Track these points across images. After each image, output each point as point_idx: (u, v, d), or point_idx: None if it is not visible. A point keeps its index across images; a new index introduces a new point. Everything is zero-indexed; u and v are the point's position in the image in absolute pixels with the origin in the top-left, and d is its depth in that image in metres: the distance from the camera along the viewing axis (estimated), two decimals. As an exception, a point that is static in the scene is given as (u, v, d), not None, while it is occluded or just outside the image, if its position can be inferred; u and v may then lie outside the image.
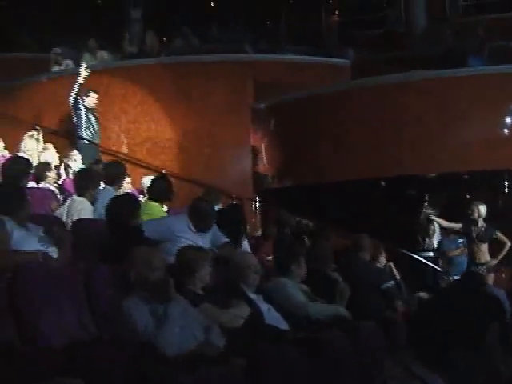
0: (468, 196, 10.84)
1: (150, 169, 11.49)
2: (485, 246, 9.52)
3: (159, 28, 14.67)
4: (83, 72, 10.95)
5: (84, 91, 11.00)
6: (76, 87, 10.88)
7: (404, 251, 10.71)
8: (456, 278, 9.49)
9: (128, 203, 6.17)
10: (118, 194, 7.27)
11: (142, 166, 11.75)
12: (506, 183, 11.07)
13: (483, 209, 9.60)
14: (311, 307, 6.06)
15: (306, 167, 11.60)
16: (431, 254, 10.74)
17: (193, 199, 6.83)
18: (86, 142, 10.91)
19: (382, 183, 11.12)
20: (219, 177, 12.26)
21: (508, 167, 10.53)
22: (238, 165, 12.45)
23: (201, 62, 12.99)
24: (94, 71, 11.49)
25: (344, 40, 15.30)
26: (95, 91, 11.13)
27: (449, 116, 10.69)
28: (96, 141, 11.07)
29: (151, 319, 4.44)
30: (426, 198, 10.45)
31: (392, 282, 7.12)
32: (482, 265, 9.40)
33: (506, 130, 10.62)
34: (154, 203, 7.35)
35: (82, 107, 10.94)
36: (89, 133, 10.97)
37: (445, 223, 10.22)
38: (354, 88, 11.56)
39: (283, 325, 5.67)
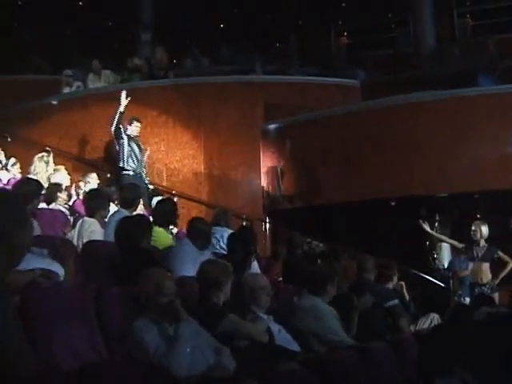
0: (479, 216, 10.80)
1: (159, 190, 11.51)
2: (486, 266, 9.50)
3: (169, 49, 14.75)
4: (124, 100, 10.63)
5: (127, 119, 10.78)
6: (117, 116, 10.59)
7: (415, 271, 10.70)
8: (467, 298, 9.48)
9: (139, 224, 6.19)
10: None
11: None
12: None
13: (485, 229, 9.58)
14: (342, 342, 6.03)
15: (317, 188, 11.60)
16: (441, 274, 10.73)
17: (188, 220, 7.06)
18: (130, 172, 10.55)
19: (393, 203, 11.10)
20: (229, 198, 12.30)
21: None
22: (248, 186, 12.47)
23: (211, 82, 13.06)
24: (102, 93, 11.52)
25: (353, 61, 15.34)
26: (138, 120, 10.91)
27: (461, 136, 10.68)
28: (138, 170, 10.68)
29: (162, 340, 4.43)
30: (437, 217, 10.43)
31: (396, 301, 7.05)
32: (485, 285, 9.37)
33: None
34: (159, 229, 7.32)
35: (124, 136, 10.64)
36: (131, 163, 10.59)
37: (448, 240, 10.20)
38: (364, 109, 11.57)
39: (294, 346, 5.64)
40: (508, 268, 9.44)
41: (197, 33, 16.18)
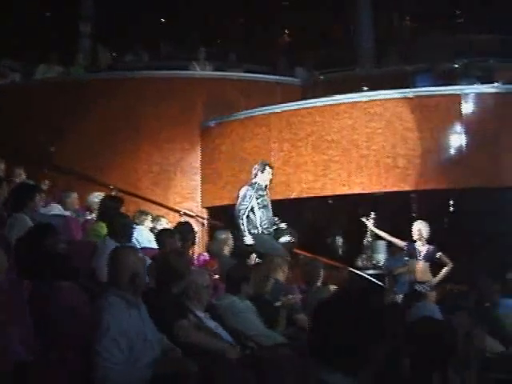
0: (414, 215, 10.99)
1: (100, 185, 11.43)
2: (426, 265, 9.68)
3: (109, 43, 14.62)
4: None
5: (259, 166, 9.35)
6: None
7: (350, 269, 10.84)
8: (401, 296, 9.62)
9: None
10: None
11: (94, 182, 11.69)
12: (451, 202, 11.27)
13: (426, 229, 9.74)
14: (260, 335, 6.07)
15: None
16: (377, 271, 10.88)
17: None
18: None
19: (330, 201, 11.23)
20: (168, 193, 12.28)
21: (455, 187, 10.72)
22: (187, 182, 12.46)
23: (151, 77, 13.01)
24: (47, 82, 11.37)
25: (294, 60, 15.44)
26: (271, 166, 9.51)
27: (397, 136, 10.85)
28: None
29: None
30: (372, 216, 10.55)
31: (290, 297, 7.10)
32: (424, 283, 9.53)
33: (452, 152, 10.82)
34: (102, 224, 7.36)
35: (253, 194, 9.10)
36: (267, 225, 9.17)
37: (389, 237, 10.34)
38: (303, 107, 11.64)
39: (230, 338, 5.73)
40: (447, 269, 9.62)
41: (138, 27, 16.06)
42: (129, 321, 4.42)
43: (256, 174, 9.23)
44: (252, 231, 8.98)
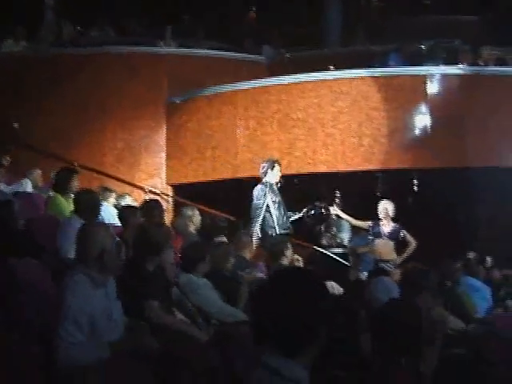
0: (378, 194, 11.05)
1: (65, 162, 11.30)
2: (391, 244, 9.74)
3: (74, 16, 14.39)
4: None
5: (267, 164, 9.16)
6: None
7: (315, 247, 10.88)
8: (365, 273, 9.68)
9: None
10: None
11: (58, 158, 11.55)
12: (416, 182, 11.34)
13: (391, 208, 9.80)
14: (220, 312, 6.06)
15: (220, 162, 11.61)
16: (341, 250, 10.94)
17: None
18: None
19: (295, 181, 11.23)
20: (133, 170, 12.21)
21: (419, 166, 10.80)
22: (152, 159, 12.39)
23: (117, 53, 12.87)
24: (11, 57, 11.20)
25: (262, 37, 15.37)
26: (280, 163, 9.29)
27: (362, 115, 10.89)
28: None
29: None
30: (337, 195, 10.59)
31: (247, 270, 7.08)
32: (388, 261, 9.59)
33: (417, 132, 10.89)
34: (60, 198, 7.28)
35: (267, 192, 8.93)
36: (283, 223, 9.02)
37: (354, 221, 10.40)
38: (270, 85, 11.61)
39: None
40: (410, 248, 9.69)
41: (103, 2, 15.83)
42: (93, 300, 4.35)
43: (266, 173, 9.04)
44: (270, 231, 8.85)
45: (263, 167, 9.13)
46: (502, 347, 5.88)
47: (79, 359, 4.11)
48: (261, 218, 8.86)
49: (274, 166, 9.10)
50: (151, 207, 8.03)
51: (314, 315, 2.35)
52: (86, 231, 4.63)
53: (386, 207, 9.82)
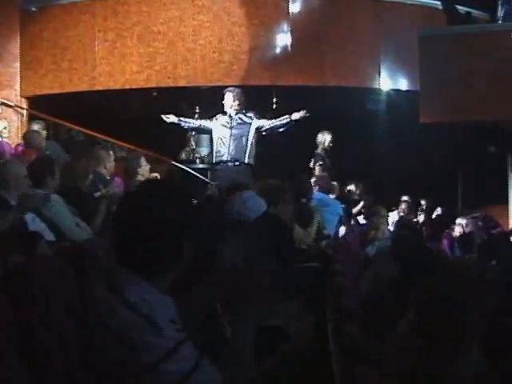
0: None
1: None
2: None
3: None
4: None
5: None
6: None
7: (174, 163, 10.89)
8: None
9: None
10: None
11: None
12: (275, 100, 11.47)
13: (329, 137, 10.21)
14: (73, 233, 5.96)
15: (77, 74, 11.27)
16: (200, 165, 11.01)
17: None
18: None
19: (154, 94, 11.14)
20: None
21: (278, 83, 10.94)
22: (5, 69, 11.82)
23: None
24: None
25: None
26: None
27: (223, 31, 10.82)
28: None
29: None
30: (197, 110, 10.60)
31: (103, 191, 7.00)
32: None
33: (277, 49, 10.96)
34: None
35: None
36: None
37: None
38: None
39: (49, 235, 5.59)
40: None
41: None
42: None
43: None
44: None
45: None
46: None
47: None
48: None
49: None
50: None
51: (179, 228, 2.23)
52: None
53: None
